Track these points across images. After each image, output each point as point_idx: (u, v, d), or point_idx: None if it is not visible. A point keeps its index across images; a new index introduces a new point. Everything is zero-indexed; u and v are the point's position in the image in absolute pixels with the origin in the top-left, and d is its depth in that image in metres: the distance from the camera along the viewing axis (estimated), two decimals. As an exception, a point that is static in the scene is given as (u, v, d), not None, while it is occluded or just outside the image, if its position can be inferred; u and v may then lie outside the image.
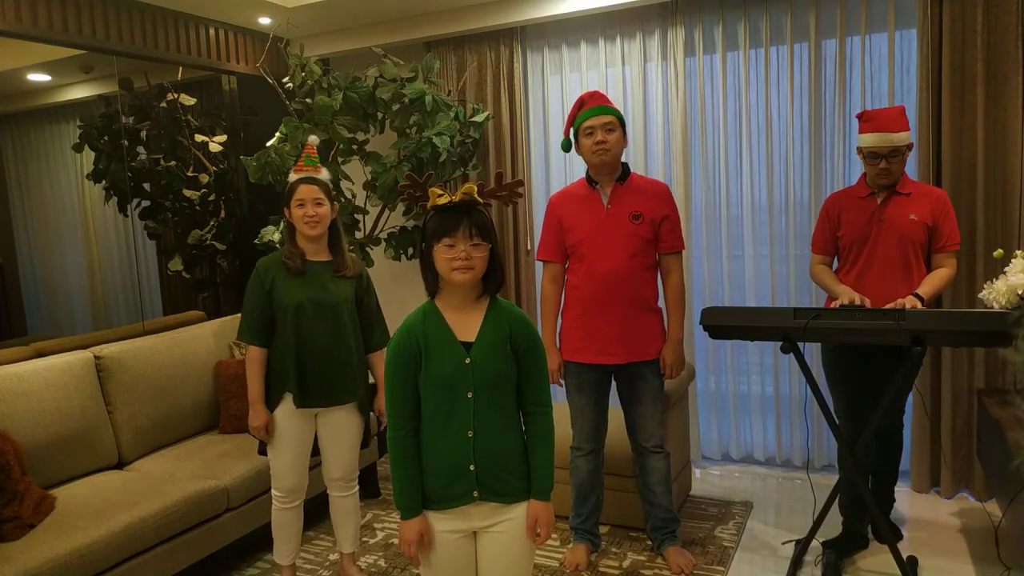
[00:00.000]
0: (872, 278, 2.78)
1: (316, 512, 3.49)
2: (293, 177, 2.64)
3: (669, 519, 2.98)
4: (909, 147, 2.73)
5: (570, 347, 2.88)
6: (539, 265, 3.02)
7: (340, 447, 2.75)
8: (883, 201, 2.79)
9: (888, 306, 2.56)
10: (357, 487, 2.86)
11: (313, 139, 2.80)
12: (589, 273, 2.80)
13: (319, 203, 2.60)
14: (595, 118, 2.74)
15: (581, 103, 2.81)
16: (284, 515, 2.74)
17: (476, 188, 1.78)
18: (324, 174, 2.68)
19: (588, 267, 2.80)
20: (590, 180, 2.86)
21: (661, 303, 2.90)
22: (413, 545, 1.79)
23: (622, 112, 3.96)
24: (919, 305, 2.57)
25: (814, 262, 2.96)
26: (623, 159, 2.88)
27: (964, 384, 3.36)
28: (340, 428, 2.73)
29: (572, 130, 2.85)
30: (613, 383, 2.95)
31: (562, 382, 2.95)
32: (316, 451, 2.80)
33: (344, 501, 2.82)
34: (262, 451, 2.76)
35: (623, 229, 2.77)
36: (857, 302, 2.60)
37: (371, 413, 2.85)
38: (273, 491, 2.73)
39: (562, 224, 2.87)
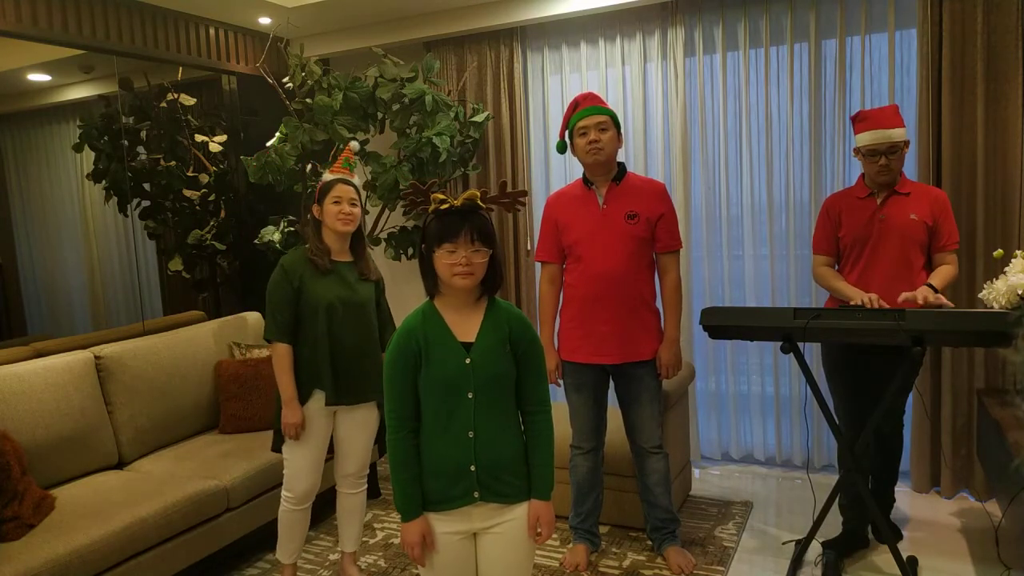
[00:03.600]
0: (874, 278, 2.78)
1: (317, 512, 3.48)
2: (328, 176, 2.68)
3: (669, 519, 2.98)
4: (906, 144, 2.73)
5: (567, 347, 2.88)
6: (539, 266, 3.01)
7: (357, 443, 2.78)
8: (883, 201, 2.79)
9: (903, 296, 2.55)
10: (366, 485, 2.88)
11: (354, 145, 2.86)
12: (585, 273, 2.80)
13: (354, 203, 2.65)
14: (588, 118, 2.75)
15: (575, 105, 2.82)
16: (293, 515, 2.74)
17: (479, 194, 1.78)
18: (357, 180, 2.73)
19: (584, 267, 2.80)
20: (586, 180, 2.86)
21: (660, 303, 2.90)
22: (416, 547, 1.79)
23: (621, 112, 3.98)
24: (930, 294, 2.56)
25: (817, 263, 2.95)
26: (620, 159, 2.88)
27: (964, 384, 3.36)
28: (359, 424, 2.76)
29: (567, 131, 2.85)
30: (612, 382, 2.95)
31: (560, 382, 2.96)
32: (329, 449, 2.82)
33: (354, 498, 2.85)
34: (276, 448, 2.73)
35: (619, 229, 2.77)
36: (873, 304, 2.58)
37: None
38: (284, 492, 2.72)
39: (558, 225, 2.87)
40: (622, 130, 2.71)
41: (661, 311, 2.90)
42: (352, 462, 2.80)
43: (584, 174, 2.87)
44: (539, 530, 1.84)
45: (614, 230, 2.77)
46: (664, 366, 2.84)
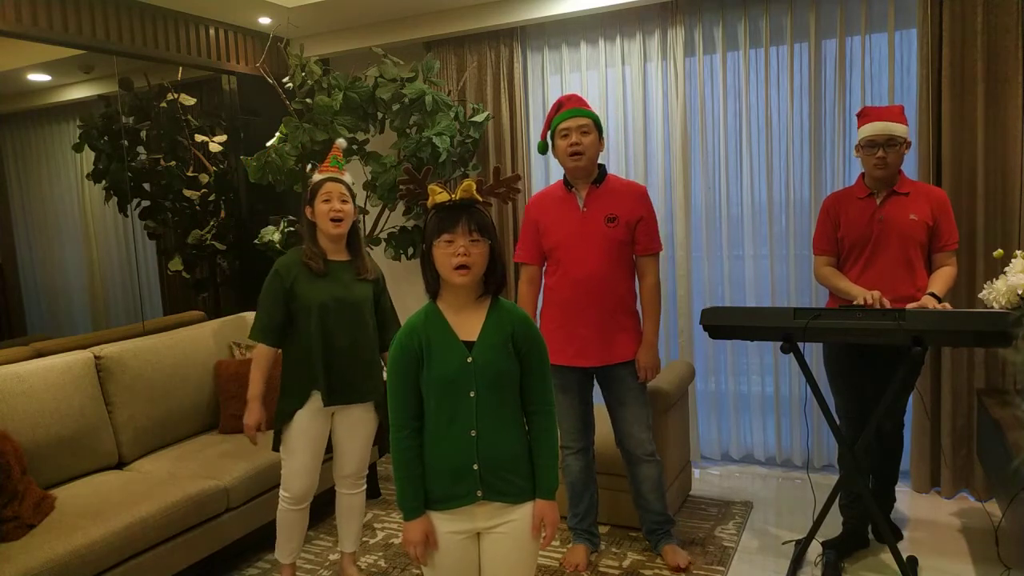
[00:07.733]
0: (875, 278, 2.77)
1: (316, 512, 3.49)
2: (317, 177, 2.66)
3: (663, 521, 2.98)
4: (907, 144, 2.73)
5: (550, 349, 2.86)
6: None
7: (355, 443, 2.77)
8: (882, 201, 2.79)
9: (911, 306, 2.53)
10: (365, 485, 2.87)
11: (341, 142, 2.84)
12: (565, 276, 2.80)
13: (344, 200, 2.63)
14: (571, 120, 2.75)
15: (559, 106, 2.82)
16: (291, 515, 2.74)
17: (475, 185, 1.78)
18: (348, 177, 2.71)
19: (564, 270, 2.81)
20: (567, 182, 2.87)
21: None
22: (418, 546, 1.79)
23: (621, 112, 3.98)
24: (936, 303, 2.56)
25: (820, 264, 2.93)
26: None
27: (964, 384, 3.36)
28: (357, 425, 2.75)
29: (549, 132, 2.86)
30: (597, 384, 2.95)
31: None
32: (327, 448, 2.81)
33: (352, 498, 2.84)
34: (276, 447, 2.72)
35: (598, 232, 2.77)
36: (876, 301, 2.58)
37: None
38: (282, 491, 2.71)
39: (538, 227, 2.87)
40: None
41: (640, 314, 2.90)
42: (350, 462, 2.79)
43: (564, 176, 2.87)
44: (543, 532, 1.84)
45: (594, 234, 2.77)
46: (642, 368, 2.83)
